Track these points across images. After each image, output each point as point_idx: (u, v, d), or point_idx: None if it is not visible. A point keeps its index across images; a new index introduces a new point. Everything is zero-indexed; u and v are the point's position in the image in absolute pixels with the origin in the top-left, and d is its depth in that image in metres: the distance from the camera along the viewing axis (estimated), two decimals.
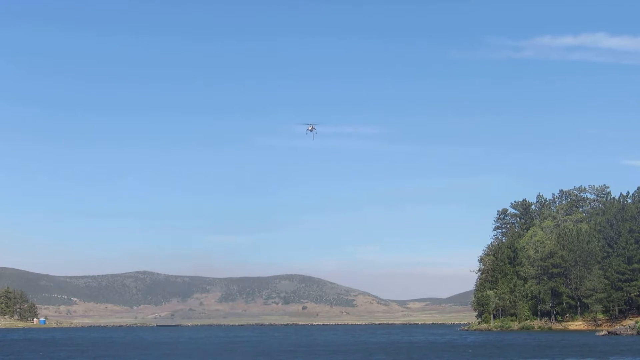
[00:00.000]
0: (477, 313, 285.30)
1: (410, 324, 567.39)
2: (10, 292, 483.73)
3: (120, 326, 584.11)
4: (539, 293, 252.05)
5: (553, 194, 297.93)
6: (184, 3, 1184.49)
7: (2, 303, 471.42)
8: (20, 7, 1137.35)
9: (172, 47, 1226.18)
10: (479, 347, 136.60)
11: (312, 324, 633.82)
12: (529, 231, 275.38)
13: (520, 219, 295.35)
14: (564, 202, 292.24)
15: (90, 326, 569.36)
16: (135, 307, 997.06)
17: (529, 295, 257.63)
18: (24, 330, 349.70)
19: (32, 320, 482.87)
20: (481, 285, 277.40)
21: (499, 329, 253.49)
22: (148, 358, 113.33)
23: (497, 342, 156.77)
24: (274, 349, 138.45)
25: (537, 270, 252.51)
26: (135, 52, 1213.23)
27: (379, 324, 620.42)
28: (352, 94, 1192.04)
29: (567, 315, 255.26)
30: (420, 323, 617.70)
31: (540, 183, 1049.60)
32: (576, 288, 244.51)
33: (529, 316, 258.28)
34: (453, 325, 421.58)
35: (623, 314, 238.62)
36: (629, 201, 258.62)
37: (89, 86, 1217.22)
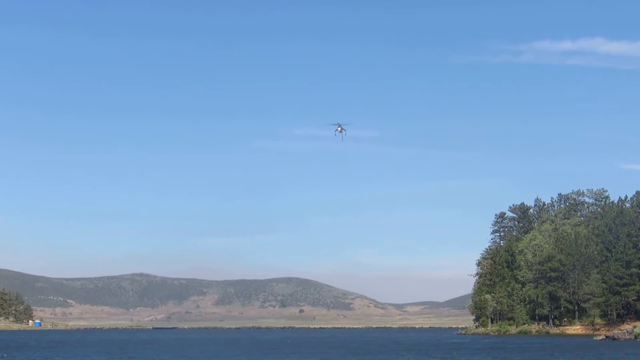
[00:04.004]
0: (474, 317, 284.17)
1: (407, 328, 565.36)
2: (5, 294, 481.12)
3: (116, 328, 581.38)
4: (537, 297, 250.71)
5: (551, 198, 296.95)
6: (183, 4, 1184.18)
7: None
8: (17, 7, 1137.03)
9: (171, 47, 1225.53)
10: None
11: (309, 327, 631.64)
12: (527, 235, 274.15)
13: (518, 222, 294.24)
14: (562, 206, 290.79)
15: (85, 328, 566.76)
16: (131, 310, 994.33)
17: (527, 299, 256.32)
18: (25, 333, 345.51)
19: (27, 322, 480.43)
20: (479, 289, 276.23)
21: (496, 333, 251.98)
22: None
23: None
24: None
25: (535, 274, 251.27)
26: (134, 54, 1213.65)
27: (376, 327, 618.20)
28: (352, 97, 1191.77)
29: (565, 319, 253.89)
30: (417, 327, 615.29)
31: (539, 187, 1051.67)
32: (574, 292, 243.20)
33: (526, 320, 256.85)
34: (450, 329, 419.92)
35: (621, 319, 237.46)
36: (628, 205, 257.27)
37: (86, 88, 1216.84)
